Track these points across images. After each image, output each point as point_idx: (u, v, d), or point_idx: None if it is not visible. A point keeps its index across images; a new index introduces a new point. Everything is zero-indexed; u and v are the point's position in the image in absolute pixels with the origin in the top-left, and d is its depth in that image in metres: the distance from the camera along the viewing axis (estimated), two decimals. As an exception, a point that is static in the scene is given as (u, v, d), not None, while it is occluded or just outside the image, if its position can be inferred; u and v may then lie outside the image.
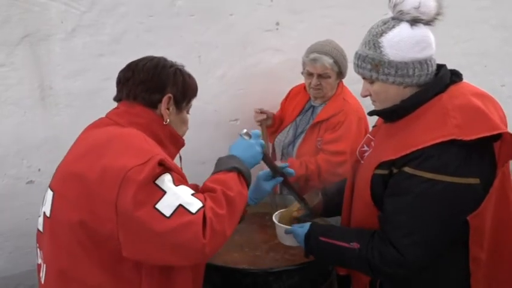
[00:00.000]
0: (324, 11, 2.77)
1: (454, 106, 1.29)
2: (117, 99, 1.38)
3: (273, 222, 1.70)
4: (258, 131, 1.49)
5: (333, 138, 2.29)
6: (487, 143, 1.28)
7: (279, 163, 1.68)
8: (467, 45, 3.24)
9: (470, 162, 1.25)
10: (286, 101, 2.63)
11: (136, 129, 1.27)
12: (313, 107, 2.45)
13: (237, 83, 2.67)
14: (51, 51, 2.19)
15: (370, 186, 1.39)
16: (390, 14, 1.35)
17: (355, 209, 1.52)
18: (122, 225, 1.11)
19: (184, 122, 1.43)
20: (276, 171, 1.58)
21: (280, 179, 1.60)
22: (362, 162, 1.51)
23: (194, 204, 1.14)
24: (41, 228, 1.30)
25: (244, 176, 1.33)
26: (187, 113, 1.44)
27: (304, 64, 2.40)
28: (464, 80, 1.40)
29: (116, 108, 1.36)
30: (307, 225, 1.55)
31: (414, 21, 1.31)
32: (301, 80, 2.47)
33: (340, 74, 2.37)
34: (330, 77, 2.33)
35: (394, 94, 1.37)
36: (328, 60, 2.29)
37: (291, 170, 1.64)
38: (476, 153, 1.26)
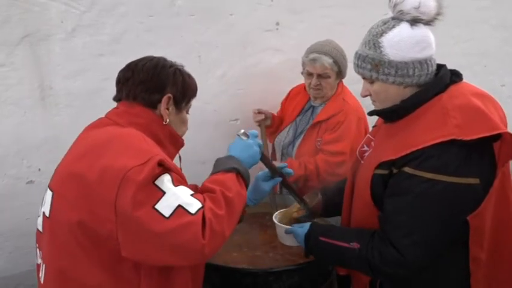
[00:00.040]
0: (324, 10, 2.77)
1: (454, 106, 1.29)
2: (116, 99, 1.38)
3: (273, 222, 1.70)
4: (255, 131, 1.49)
5: (332, 138, 2.29)
6: (487, 143, 1.28)
7: (277, 163, 1.68)
8: (467, 45, 3.24)
9: (470, 162, 1.25)
10: (286, 101, 2.63)
11: (135, 129, 1.27)
12: (313, 107, 2.45)
13: (237, 83, 2.67)
14: (51, 51, 2.19)
15: (370, 186, 1.39)
16: (390, 14, 1.35)
17: (355, 209, 1.52)
18: (121, 226, 1.11)
19: (184, 122, 1.43)
20: (274, 172, 1.58)
21: (279, 179, 1.60)
22: (362, 162, 1.51)
23: (193, 205, 1.14)
24: (40, 228, 1.30)
25: (243, 177, 1.33)
26: (187, 113, 1.44)
27: (304, 64, 2.40)
28: (464, 80, 1.40)
29: (115, 108, 1.36)
30: (307, 225, 1.55)
31: (414, 21, 1.31)
32: (301, 80, 2.47)
33: (340, 74, 2.37)
34: (329, 77, 2.33)
35: (394, 94, 1.37)
36: (327, 60, 2.29)
37: (289, 170, 1.64)
38: (476, 153, 1.26)
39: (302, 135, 2.41)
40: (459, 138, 1.23)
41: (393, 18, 1.34)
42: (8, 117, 2.17)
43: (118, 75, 1.37)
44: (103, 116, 1.36)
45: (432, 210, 1.27)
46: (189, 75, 1.41)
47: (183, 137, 1.43)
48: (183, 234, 1.10)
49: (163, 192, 1.12)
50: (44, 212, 1.27)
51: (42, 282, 1.29)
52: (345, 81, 2.43)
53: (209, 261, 1.35)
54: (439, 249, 1.32)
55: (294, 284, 1.67)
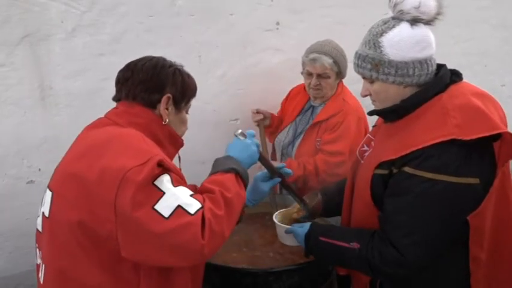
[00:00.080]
0: (324, 10, 2.77)
1: (454, 106, 1.29)
2: (116, 99, 1.37)
3: (273, 222, 1.70)
4: (252, 131, 1.49)
5: (331, 138, 2.28)
6: (487, 142, 1.28)
7: (276, 163, 1.68)
8: (468, 44, 3.24)
9: (470, 162, 1.25)
10: (286, 101, 2.63)
11: (135, 129, 1.27)
12: (313, 107, 2.45)
13: (237, 83, 2.67)
14: (51, 51, 2.19)
15: (370, 186, 1.39)
16: (390, 14, 1.35)
17: (355, 209, 1.52)
18: (120, 226, 1.11)
19: (184, 122, 1.43)
20: (273, 172, 1.58)
21: (278, 179, 1.59)
22: (362, 162, 1.51)
23: (193, 205, 1.14)
24: (40, 229, 1.30)
25: (241, 177, 1.33)
26: (187, 113, 1.44)
27: (303, 64, 2.39)
28: (465, 79, 1.40)
29: (115, 108, 1.36)
30: (307, 225, 1.55)
31: (414, 21, 1.31)
32: (301, 80, 2.47)
33: (340, 74, 2.37)
34: (329, 77, 2.32)
35: (394, 94, 1.37)
36: (327, 60, 2.28)
37: (288, 170, 1.64)
38: (476, 153, 1.26)
39: (302, 135, 2.41)
40: (459, 138, 1.23)
41: (393, 18, 1.34)
42: (8, 117, 2.17)
43: (117, 75, 1.37)
44: (103, 116, 1.36)
45: (432, 210, 1.27)
46: (189, 75, 1.41)
47: (183, 137, 1.43)
48: (182, 234, 1.10)
49: (163, 193, 1.12)
50: (43, 212, 1.27)
51: (41, 282, 1.29)
52: (345, 81, 2.43)
53: (209, 261, 1.35)
54: (439, 249, 1.32)
55: (294, 284, 1.67)
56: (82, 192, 1.15)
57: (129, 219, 1.09)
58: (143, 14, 2.34)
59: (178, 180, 1.20)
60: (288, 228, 1.62)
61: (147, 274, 1.20)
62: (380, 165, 1.36)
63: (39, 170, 2.28)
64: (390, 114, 1.42)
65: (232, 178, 1.29)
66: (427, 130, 1.29)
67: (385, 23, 1.34)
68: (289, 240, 1.65)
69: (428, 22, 1.32)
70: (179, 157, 1.45)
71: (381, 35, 1.32)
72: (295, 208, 1.77)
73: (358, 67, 1.39)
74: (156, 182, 1.13)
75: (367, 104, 1.58)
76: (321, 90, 2.35)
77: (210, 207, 1.16)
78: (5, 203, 2.24)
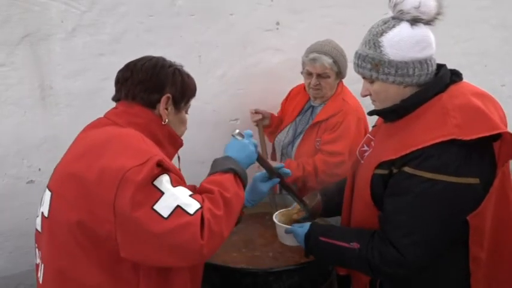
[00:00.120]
0: (324, 10, 2.77)
1: (454, 106, 1.29)
2: (115, 99, 1.37)
3: (273, 222, 1.70)
4: (250, 131, 1.49)
5: (331, 138, 2.28)
6: (487, 142, 1.28)
7: (275, 164, 1.68)
8: (468, 44, 3.24)
9: (470, 162, 1.25)
10: (286, 101, 2.63)
11: (134, 129, 1.26)
12: (313, 107, 2.45)
13: (237, 83, 2.67)
14: (51, 51, 2.19)
15: (370, 186, 1.39)
16: (390, 14, 1.35)
17: (355, 209, 1.52)
18: (119, 226, 1.11)
19: (183, 122, 1.43)
20: (271, 172, 1.58)
21: (277, 180, 1.59)
22: (362, 162, 1.51)
23: (192, 205, 1.14)
24: (39, 228, 1.30)
25: (240, 177, 1.33)
26: (186, 113, 1.44)
27: (303, 64, 2.39)
28: (465, 79, 1.40)
29: (114, 108, 1.36)
30: (307, 225, 1.55)
31: (414, 21, 1.31)
32: (301, 80, 2.47)
33: (340, 74, 2.37)
34: (329, 76, 2.32)
35: (394, 94, 1.37)
36: (327, 60, 2.28)
37: (287, 170, 1.64)
38: (476, 153, 1.26)
39: (301, 135, 2.41)
40: (459, 138, 1.23)
41: (393, 18, 1.34)
42: (8, 117, 2.17)
43: (117, 75, 1.36)
44: (102, 115, 1.35)
45: (432, 210, 1.27)
46: (188, 75, 1.41)
47: (183, 137, 1.43)
48: (181, 234, 1.10)
49: (162, 193, 1.12)
50: (42, 212, 1.27)
51: (41, 282, 1.29)
52: (345, 81, 2.43)
53: (209, 261, 1.35)
54: (439, 249, 1.32)
55: (294, 284, 1.67)
56: (81, 192, 1.15)
57: (128, 219, 1.09)
58: (143, 14, 2.34)
59: (178, 180, 1.20)
60: (288, 228, 1.62)
61: (146, 274, 1.20)
62: (380, 165, 1.36)
63: (39, 169, 2.28)
64: (390, 114, 1.42)
65: (231, 178, 1.29)
66: (427, 130, 1.29)
67: (385, 23, 1.34)
68: (289, 240, 1.65)
69: (428, 22, 1.32)
70: (178, 157, 1.45)
71: (381, 34, 1.32)
72: (295, 209, 1.77)
73: (358, 67, 1.39)
74: (155, 182, 1.13)
75: (367, 104, 1.58)
76: (320, 90, 2.35)
77: (209, 208, 1.16)
78: (5, 203, 2.24)
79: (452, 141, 1.24)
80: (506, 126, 1.28)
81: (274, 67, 2.73)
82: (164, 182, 1.14)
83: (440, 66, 1.39)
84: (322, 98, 2.39)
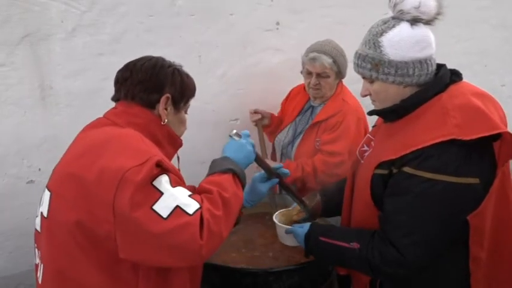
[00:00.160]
0: (324, 10, 2.77)
1: (454, 106, 1.29)
2: (115, 99, 1.37)
3: (273, 222, 1.70)
4: (247, 131, 1.49)
5: (330, 138, 2.28)
6: (486, 142, 1.28)
7: (273, 164, 1.68)
8: (468, 44, 3.24)
9: (470, 162, 1.25)
10: (286, 101, 2.62)
11: (134, 129, 1.26)
12: (313, 107, 2.44)
13: (237, 83, 2.67)
14: (51, 51, 2.19)
15: (370, 186, 1.39)
16: (390, 14, 1.35)
17: (355, 209, 1.52)
18: (119, 226, 1.11)
19: (182, 122, 1.43)
20: (270, 173, 1.58)
21: (276, 180, 1.59)
22: (362, 162, 1.51)
23: (191, 206, 1.14)
24: (38, 228, 1.30)
25: (239, 177, 1.33)
26: (186, 113, 1.44)
27: (303, 63, 2.39)
28: (465, 79, 1.40)
29: (113, 108, 1.36)
30: (307, 225, 1.55)
31: (414, 21, 1.31)
32: (301, 80, 2.47)
33: (340, 74, 2.36)
34: (329, 76, 2.32)
35: (394, 94, 1.37)
36: (327, 60, 2.28)
37: (285, 170, 1.64)
38: (476, 153, 1.26)
39: (301, 135, 2.41)
40: (459, 138, 1.23)
41: (393, 18, 1.34)
42: (8, 117, 2.17)
43: (116, 75, 1.36)
44: (102, 115, 1.35)
45: (432, 210, 1.27)
46: (188, 75, 1.41)
47: (182, 137, 1.43)
48: (180, 234, 1.10)
49: (161, 193, 1.12)
50: (42, 212, 1.27)
51: (40, 282, 1.28)
52: (345, 81, 2.43)
53: (209, 261, 1.35)
54: (439, 248, 1.32)
55: (294, 284, 1.67)
56: (80, 192, 1.15)
57: (127, 220, 1.09)
58: (143, 14, 2.34)
59: (177, 180, 1.20)
60: (288, 228, 1.62)
61: (145, 274, 1.20)
62: (380, 165, 1.36)
63: (39, 169, 2.28)
64: (390, 114, 1.42)
65: (229, 178, 1.29)
66: (427, 130, 1.29)
67: (385, 23, 1.34)
68: (289, 241, 1.65)
69: (428, 22, 1.32)
70: (178, 157, 1.45)
71: (381, 34, 1.32)
72: (295, 210, 1.77)
73: (358, 67, 1.39)
74: (154, 183, 1.13)
75: (367, 104, 1.58)
76: (320, 90, 2.35)
77: (208, 208, 1.16)
78: (5, 203, 2.24)
79: (452, 141, 1.24)
80: (506, 126, 1.28)
81: (274, 67, 2.73)
82: (163, 182, 1.14)
83: (440, 66, 1.39)
84: (322, 98, 2.39)
